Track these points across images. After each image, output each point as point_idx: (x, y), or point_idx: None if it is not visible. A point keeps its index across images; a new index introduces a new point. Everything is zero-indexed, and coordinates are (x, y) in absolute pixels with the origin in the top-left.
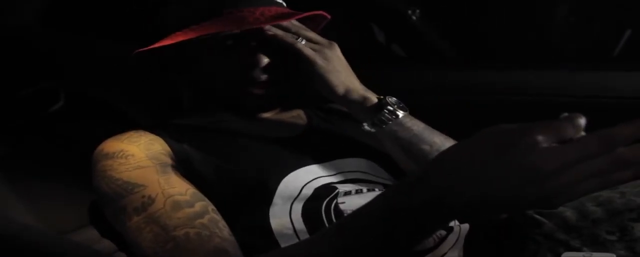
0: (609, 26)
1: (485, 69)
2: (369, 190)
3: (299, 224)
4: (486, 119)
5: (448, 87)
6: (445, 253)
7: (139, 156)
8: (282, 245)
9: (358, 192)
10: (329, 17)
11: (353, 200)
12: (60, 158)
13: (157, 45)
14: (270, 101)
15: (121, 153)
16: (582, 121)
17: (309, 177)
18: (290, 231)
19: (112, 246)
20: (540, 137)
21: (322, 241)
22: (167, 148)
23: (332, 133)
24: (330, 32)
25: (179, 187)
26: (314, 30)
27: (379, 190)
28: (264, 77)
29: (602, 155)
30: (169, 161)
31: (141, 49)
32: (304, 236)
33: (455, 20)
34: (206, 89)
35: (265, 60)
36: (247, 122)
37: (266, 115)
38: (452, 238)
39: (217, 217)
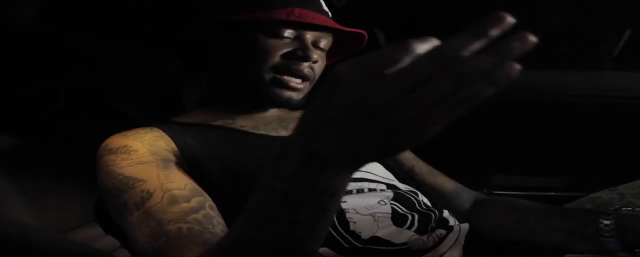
0: (609, 26)
1: None
2: (370, 190)
3: None
4: (486, 118)
5: None
6: (445, 252)
7: (141, 151)
8: None
9: (359, 191)
10: (365, 40)
11: (354, 199)
12: (60, 157)
13: (236, 17)
14: (299, 98)
15: (125, 148)
16: (416, 45)
17: None
18: None
19: (113, 244)
20: (349, 78)
21: (241, 223)
22: (173, 145)
23: None
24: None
25: (178, 182)
26: (343, 53)
27: (380, 190)
28: (307, 72)
29: (443, 72)
30: (171, 157)
31: (208, 20)
32: None
33: (456, 21)
34: (242, 76)
35: (314, 56)
36: (251, 122)
37: (272, 115)
38: (451, 237)
39: (213, 213)
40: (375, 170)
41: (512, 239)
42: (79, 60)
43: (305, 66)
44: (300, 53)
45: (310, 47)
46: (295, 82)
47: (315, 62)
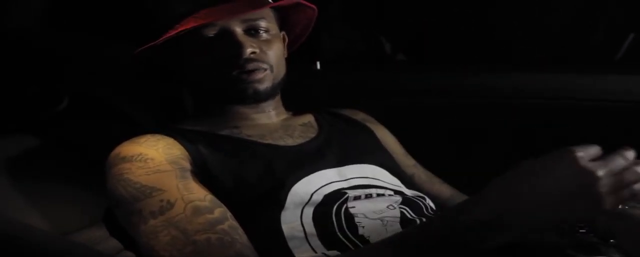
0: (612, 30)
1: (487, 72)
2: (378, 195)
3: (310, 227)
4: (489, 121)
5: (451, 90)
6: None
7: (158, 159)
8: (293, 248)
9: (368, 197)
10: (314, 8)
11: (363, 205)
12: (63, 159)
13: (143, 48)
14: (266, 88)
15: (140, 156)
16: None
17: (320, 182)
18: (301, 234)
19: (116, 246)
20: (580, 154)
21: (385, 250)
22: (186, 152)
23: (343, 139)
24: (340, 41)
25: (198, 193)
26: (307, 28)
27: (388, 195)
28: (250, 65)
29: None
30: (187, 165)
31: (138, 50)
32: (314, 239)
33: (459, 23)
34: (203, 87)
35: (248, 50)
36: (257, 131)
37: (276, 123)
38: None
39: (236, 223)
40: (382, 176)
41: None
42: (80, 61)
43: (244, 60)
44: (233, 51)
45: (240, 40)
46: (246, 77)
47: (253, 52)
